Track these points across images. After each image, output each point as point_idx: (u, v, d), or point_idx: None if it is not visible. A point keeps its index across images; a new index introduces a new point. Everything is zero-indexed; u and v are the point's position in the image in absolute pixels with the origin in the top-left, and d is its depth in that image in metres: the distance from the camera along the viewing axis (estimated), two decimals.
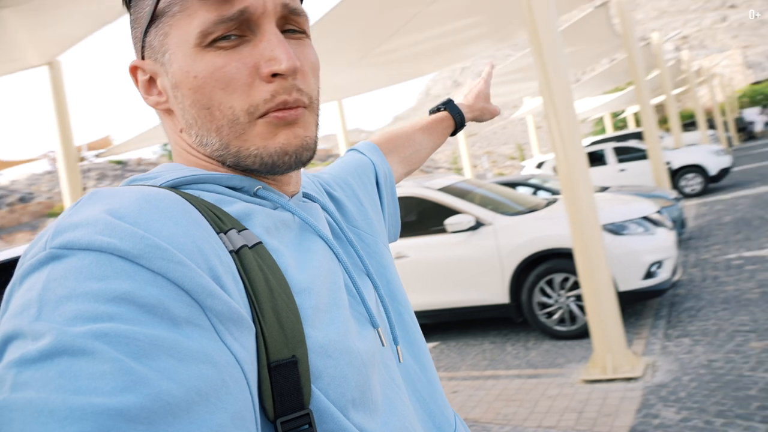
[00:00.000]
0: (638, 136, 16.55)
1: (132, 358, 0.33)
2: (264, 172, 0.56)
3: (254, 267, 0.47)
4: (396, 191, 0.92)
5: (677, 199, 6.86)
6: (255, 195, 0.56)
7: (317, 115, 0.59)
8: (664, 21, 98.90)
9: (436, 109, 1.07)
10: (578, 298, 4.38)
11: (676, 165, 11.39)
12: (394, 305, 0.66)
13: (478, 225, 4.77)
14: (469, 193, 5.28)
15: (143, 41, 0.57)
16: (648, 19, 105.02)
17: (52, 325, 0.34)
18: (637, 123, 30.28)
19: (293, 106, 0.54)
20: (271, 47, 0.52)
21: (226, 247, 0.46)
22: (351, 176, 0.81)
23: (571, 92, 3.74)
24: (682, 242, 6.99)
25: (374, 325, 0.58)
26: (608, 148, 11.66)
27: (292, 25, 0.56)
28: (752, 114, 30.33)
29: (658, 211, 4.95)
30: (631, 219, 4.53)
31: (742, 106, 36.41)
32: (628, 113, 30.59)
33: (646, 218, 4.62)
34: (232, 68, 0.52)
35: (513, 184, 7.49)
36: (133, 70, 0.59)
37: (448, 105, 1.07)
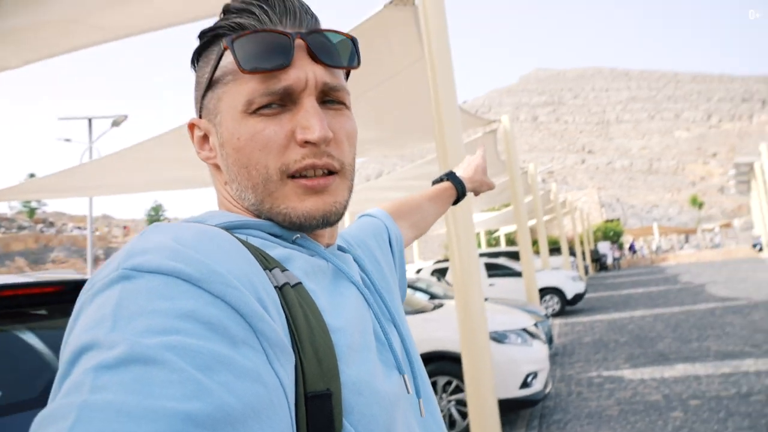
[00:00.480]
0: (509, 254, 17.85)
1: (197, 369, 0.37)
2: (292, 229, 0.61)
3: (295, 303, 0.51)
4: (404, 255, 0.96)
5: (547, 316, 7.36)
6: (293, 242, 0.61)
7: (349, 180, 0.64)
8: (533, 155, 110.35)
9: (440, 180, 1.15)
10: (459, 402, 4.45)
11: (537, 285, 12.33)
12: (415, 357, 0.68)
13: None
14: None
15: (201, 102, 0.64)
16: (520, 152, 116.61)
17: (126, 336, 0.37)
18: (508, 242, 32.74)
19: (322, 174, 0.59)
20: (307, 117, 0.57)
21: (271, 282, 0.50)
22: (368, 237, 0.85)
23: (471, 203, 4.02)
24: (550, 357, 7.44)
25: (400, 371, 0.61)
26: (480, 263, 12.41)
27: (331, 97, 0.61)
28: (604, 247, 33.93)
29: (535, 325, 5.28)
30: (511, 329, 4.79)
31: (597, 240, 40.75)
32: (501, 233, 33.01)
33: (524, 330, 4.89)
34: (270, 132, 0.58)
35: None
36: (191, 126, 0.66)
37: (450, 176, 1.15)
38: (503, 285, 11.90)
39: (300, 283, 0.54)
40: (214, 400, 0.36)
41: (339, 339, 0.53)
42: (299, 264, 0.58)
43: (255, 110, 0.58)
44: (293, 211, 0.59)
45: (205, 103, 0.63)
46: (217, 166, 0.65)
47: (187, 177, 6.66)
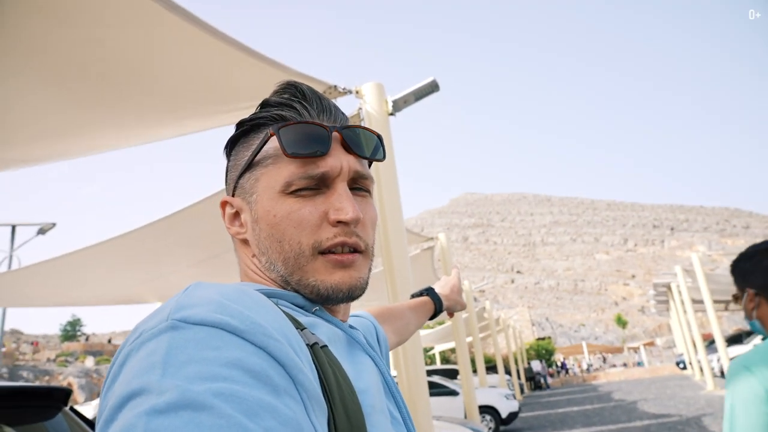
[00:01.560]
0: (446, 371, 17.63)
1: (243, 415, 0.39)
2: (318, 302, 0.65)
3: (325, 362, 0.53)
4: (389, 357, 0.97)
5: None
6: (313, 314, 0.64)
7: (371, 261, 0.70)
8: (465, 274, 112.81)
9: (419, 294, 1.20)
10: None
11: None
12: None
13: None
14: None
15: (237, 182, 0.69)
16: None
17: (177, 383, 0.39)
18: (443, 360, 32.41)
19: (351, 251, 0.65)
20: (340, 200, 0.64)
21: (303, 339, 0.53)
22: (363, 332, 0.87)
23: None
24: None
25: None
26: None
27: (359, 185, 0.69)
28: (537, 366, 34.11)
29: None
30: None
31: (530, 358, 41.02)
32: (436, 350, 32.73)
33: None
34: (305, 212, 0.63)
35: None
36: (223, 204, 0.72)
37: (429, 291, 1.20)
38: (438, 403, 11.65)
39: (326, 346, 0.57)
40: None
41: (364, 399, 0.56)
42: (323, 330, 0.61)
43: (292, 191, 0.64)
44: (322, 283, 0.63)
45: (241, 183, 0.68)
46: (244, 241, 0.70)
47: (110, 294, 6.38)
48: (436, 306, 1.18)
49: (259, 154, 0.66)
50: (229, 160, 0.72)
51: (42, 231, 14.82)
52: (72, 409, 2.55)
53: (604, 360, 53.64)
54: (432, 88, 4.22)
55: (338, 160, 0.65)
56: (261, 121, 0.68)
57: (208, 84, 2.89)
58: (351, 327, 0.73)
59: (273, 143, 0.66)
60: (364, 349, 0.66)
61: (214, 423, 0.37)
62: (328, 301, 0.64)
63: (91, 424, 2.52)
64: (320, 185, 0.65)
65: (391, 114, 4.25)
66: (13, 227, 15.33)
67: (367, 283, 0.67)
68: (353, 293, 0.65)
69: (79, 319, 56.42)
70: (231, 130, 0.74)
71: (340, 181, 0.65)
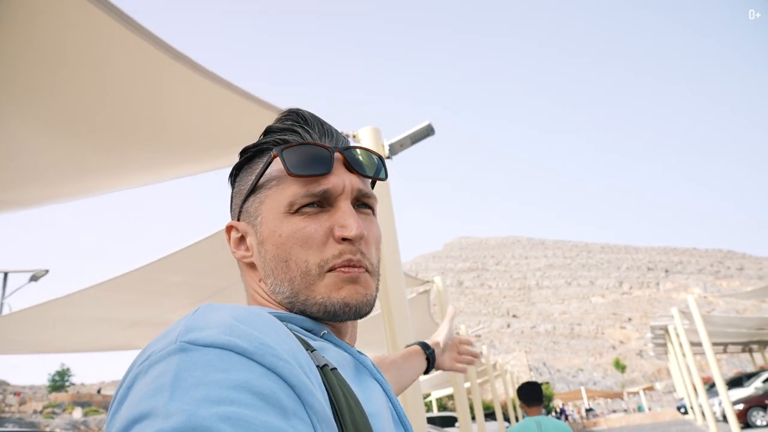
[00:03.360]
0: (444, 419, 17.22)
1: None
2: (326, 318, 0.64)
3: (335, 384, 0.53)
4: None
5: None
6: (322, 337, 0.64)
7: (377, 280, 0.69)
8: (461, 319, 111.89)
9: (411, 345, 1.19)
10: None
11: None
12: None
13: None
14: None
15: (241, 207, 0.71)
16: None
17: (184, 407, 0.39)
18: (440, 407, 31.75)
19: (357, 265, 0.65)
20: (344, 217, 0.64)
21: (313, 361, 0.52)
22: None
23: None
24: None
25: None
26: None
27: (363, 202, 0.70)
28: None
29: None
30: None
31: None
32: (433, 397, 32.11)
33: None
34: (310, 229, 0.64)
35: None
36: (229, 228, 0.72)
37: (420, 343, 1.19)
38: None
39: (336, 368, 0.56)
40: None
41: (375, 423, 0.55)
42: (332, 354, 0.61)
43: (296, 210, 0.64)
44: (329, 300, 0.63)
45: (246, 207, 0.69)
46: (251, 265, 0.70)
47: (101, 340, 6.27)
48: (428, 357, 1.17)
49: (263, 177, 0.68)
50: (233, 187, 0.74)
51: (34, 278, 14.64)
52: None
53: (606, 405, 52.74)
54: (427, 131, 4.28)
55: (341, 179, 0.66)
56: (264, 146, 0.70)
57: (209, 128, 2.93)
58: (359, 353, 0.72)
59: (276, 165, 0.67)
60: (372, 374, 0.65)
61: None
62: (336, 318, 0.64)
63: None
64: (324, 203, 0.66)
65: (388, 157, 4.30)
66: (5, 274, 15.18)
67: (375, 300, 0.67)
68: (361, 310, 0.64)
69: (67, 369, 55.22)
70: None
71: (343, 199, 0.66)
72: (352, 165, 0.68)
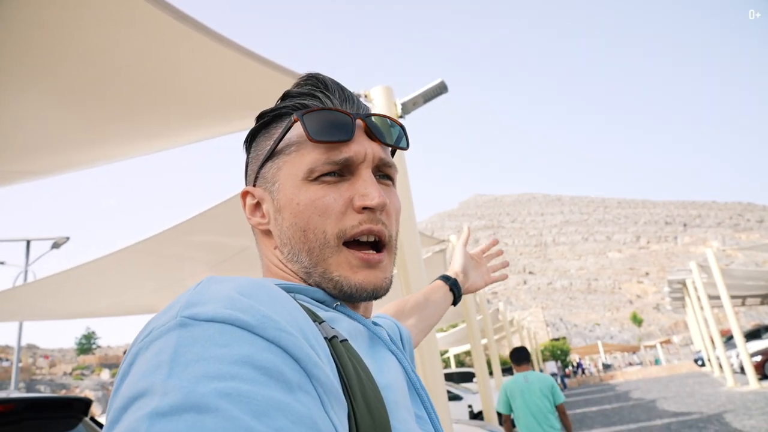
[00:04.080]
0: (462, 375, 17.54)
1: (252, 416, 0.36)
2: (340, 298, 0.63)
3: (344, 355, 0.51)
4: (414, 356, 0.94)
5: None
6: (334, 309, 0.62)
7: (394, 254, 0.68)
8: None
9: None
10: None
11: (476, 408, 11.92)
12: None
13: None
14: None
15: (258, 173, 0.68)
16: None
17: (182, 384, 0.37)
18: (458, 363, 32.28)
19: (375, 250, 0.64)
20: (365, 186, 0.62)
21: (321, 333, 0.50)
22: (386, 331, 0.85)
23: None
24: None
25: None
26: None
27: (383, 172, 0.68)
28: (552, 367, 33.89)
29: None
30: None
31: (545, 359, 40.74)
32: (451, 354, 32.64)
33: None
34: (330, 198, 0.62)
35: None
36: (244, 194, 0.69)
37: (441, 277, 1.15)
38: None
39: (346, 339, 0.54)
40: None
41: (387, 395, 0.54)
42: (343, 325, 0.59)
43: (316, 178, 0.62)
44: (345, 280, 0.61)
45: (263, 173, 0.67)
46: (266, 233, 0.68)
47: (125, 304, 6.41)
48: (451, 287, 1.13)
49: (282, 142, 0.65)
50: (249, 153, 0.71)
51: (56, 245, 14.94)
52: (92, 419, 2.57)
53: (623, 359, 53.21)
54: (440, 89, 4.22)
55: (362, 147, 0.64)
56: (283, 111, 0.67)
57: (221, 92, 2.92)
58: (374, 324, 0.70)
59: (296, 130, 0.65)
60: (386, 345, 0.63)
61: (219, 426, 0.35)
62: (350, 299, 0.63)
63: None
64: (344, 172, 0.63)
65: (401, 117, 4.26)
66: (28, 242, 15.49)
67: (391, 282, 0.65)
68: (377, 293, 0.63)
69: (93, 332, 56.72)
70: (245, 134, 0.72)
71: (364, 167, 0.64)
72: (373, 132, 0.65)
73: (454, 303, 1.15)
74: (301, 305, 0.53)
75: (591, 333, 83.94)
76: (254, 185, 0.69)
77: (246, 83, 2.91)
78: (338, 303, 0.63)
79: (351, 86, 3.70)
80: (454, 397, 11.66)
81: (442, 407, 3.68)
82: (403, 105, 4.25)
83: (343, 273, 0.61)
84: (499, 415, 5.46)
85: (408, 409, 0.57)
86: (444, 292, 1.12)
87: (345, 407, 0.46)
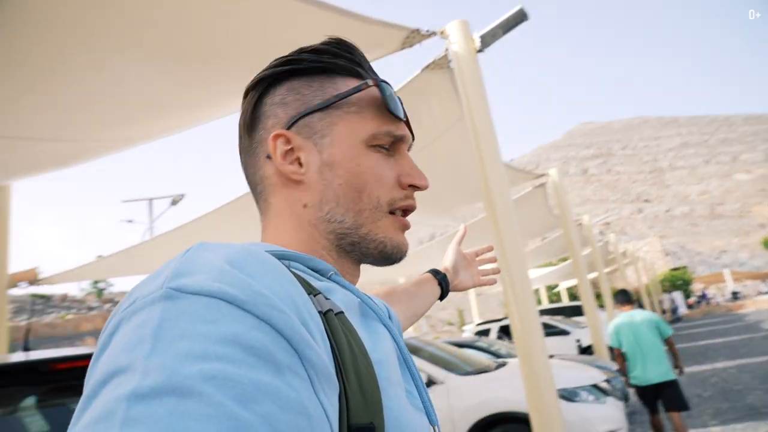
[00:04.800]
0: (572, 309, 17.20)
1: (236, 401, 0.35)
2: (377, 258, 0.66)
3: (339, 330, 0.49)
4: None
5: (619, 372, 6.99)
6: (329, 279, 0.61)
7: None
8: (587, 207, 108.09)
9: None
10: None
11: (585, 343, 11.61)
12: (432, 413, 0.66)
13: (429, 383, 4.68)
14: (419, 351, 5.23)
15: (297, 120, 0.65)
16: (573, 205, 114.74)
17: (164, 363, 0.36)
18: (571, 297, 31.63)
19: (412, 211, 0.69)
20: (410, 166, 0.68)
21: (315, 306, 0.49)
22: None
23: (525, 259, 3.96)
24: (627, 416, 6.99)
25: (432, 422, 0.60)
26: None
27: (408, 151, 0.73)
28: (677, 297, 32.32)
29: (606, 381, 5.02)
30: (582, 386, 4.56)
31: (664, 290, 38.83)
32: (562, 287, 31.99)
33: (596, 386, 4.66)
34: (386, 168, 0.66)
35: (459, 346, 7.48)
36: (277, 137, 0.65)
37: (431, 270, 1.19)
38: (551, 343, 11.39)
39: (342, 312, 0.53)
40: None
41: (380, 371, 0.52)
42: (338, 296, 0.57)
43: (374, 145, 0.66)
44: (390, 241, 0.65)
45: (308, 122, 0.65)
46: (294, 183, 0.65)
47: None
48: (440, 282, 1.17)
49: (344, 99, 0.65)
50: (272, 92, 0.67)
51: (174, 202, 16.38)
52: None
53: (754, 287, 49.57)
54: (520, 17, 3.98)
55: (405, 129, 0.69)
56: (330, 66, 0.67)
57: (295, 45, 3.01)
58: (367, 296, 0.69)
59: (363, 93, 0.66)
60: (380, 317, 0.61)
61: (202, 412, 0.34)
62: (386, 260, 0.66)
63: None
64: (391, 147, 0.67)
65: (480, 51, 4.07)
66: (150, 201, 17.14)
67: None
68: (404, 256, 0.68)
69: None
70: None
71: (406, 147, 0.70)
72: (406, 116, 0.70)
73: (441, 297, 1.18)
74: (295, 275, 0.51)
75: (717, 261, 78.53)
76: (287, 129, 0.66)
77: (319, 32, 2.94)
78: (333, 272, 0.61)
79: (423, 25, 3.58)
80: (559, 332, 11.45)
81: (536, 345, 3.64)
82: (482, 38, 4.06)
83: (388, 235, 0.65)
84: (611, 349, 5.41)
85: (400, 385, 0.56)
86: (432, 285, 1.16)
87: (337, 387, 0.44)
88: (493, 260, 1.33)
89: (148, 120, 3.62)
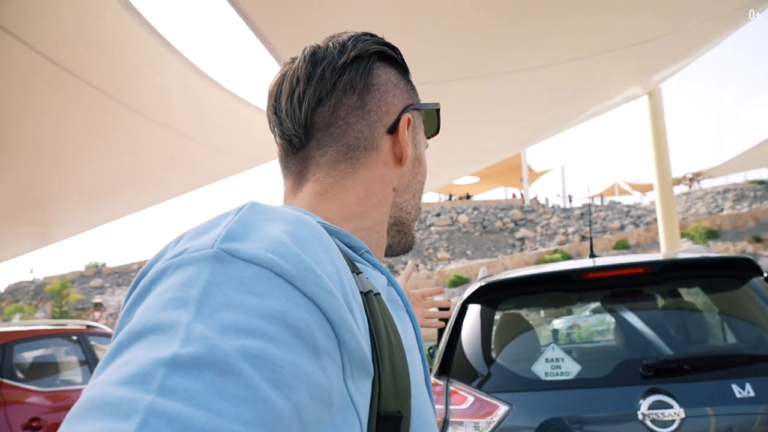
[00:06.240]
0: None
1: (273, 386, 0.35)
2: (398, 250, 0.72)
3: (378, 313, 0.49)
4: None
5: None
6: (361, 256, 0.59)
7: None
8: None
9: None
10: None
11: None
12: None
13: None
14: None
15: (406, 109, 0.66)
16: None
17: (207, 332, 0.35)
18: None
19: None
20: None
21: (357, 286, 0.48)
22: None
23: None
24: None
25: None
26: None
27: None
28: None
29: None
30: None
31: None
32: None
33: None
34: None
35: None
36: (409, 118, 0.66)
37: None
38: None
39: (380, 294, 0.52)
40: (282, 428, 0.34)
41: (409, 359, 0.51)
42: (373, 277, 0.57)
43: None
44: (413, 236, 0.73)
45: (414, 115, 0.68)
46: (396, 162, 0.65)
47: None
48: None
49: (423, 108, 0.71)
50: (385, 70, 0.66)
51: None
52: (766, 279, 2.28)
53: None
54: None
55: None
56: (406, 67, 0.71)
57: None
58: (393, 279, 0.68)
59: (426, 111, 0.73)
60: (406, 305, 0.61)
61: (238, 394, 0.33)
62: (401, 252, 0.72)
63: None
64: None
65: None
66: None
67: None
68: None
69: None
70: None
71: None
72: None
73: None
74: (342, 251, 0.52)
75: None
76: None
77: None
78: (365, 251, 0.59)
79: None
80: None
81: None
82: None
83: (413, 231, 0.72)
84: None
85: (421, 375, 0.56)
86: None
87: (371, 374, 0.44)
88: (447, 304, 1.33)
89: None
